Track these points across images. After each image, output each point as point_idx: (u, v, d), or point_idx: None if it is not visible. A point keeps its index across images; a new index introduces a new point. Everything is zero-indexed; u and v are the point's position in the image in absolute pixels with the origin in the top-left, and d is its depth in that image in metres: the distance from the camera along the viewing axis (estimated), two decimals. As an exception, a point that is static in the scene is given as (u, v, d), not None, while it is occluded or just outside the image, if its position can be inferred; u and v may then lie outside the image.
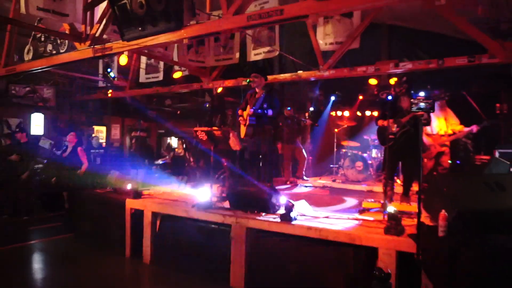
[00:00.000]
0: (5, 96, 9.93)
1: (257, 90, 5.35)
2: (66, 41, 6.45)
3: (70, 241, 6.00)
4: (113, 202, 5.48)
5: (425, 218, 3.74)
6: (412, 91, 4.86)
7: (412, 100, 3.36)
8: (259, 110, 5.17)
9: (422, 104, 3.29)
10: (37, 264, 5.18)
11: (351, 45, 6.37)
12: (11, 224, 7.10)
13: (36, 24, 6.35)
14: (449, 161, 5.83)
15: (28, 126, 9.93)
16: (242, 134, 5.31)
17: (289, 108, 7.70)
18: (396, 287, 3.27)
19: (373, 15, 6.05)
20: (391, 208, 3.52)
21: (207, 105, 7.19)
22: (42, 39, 6.73)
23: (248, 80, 5.33)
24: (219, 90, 8.10)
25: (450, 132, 5.70)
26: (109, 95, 7.98)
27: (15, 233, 6.54)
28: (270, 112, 5.22)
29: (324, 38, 6.68)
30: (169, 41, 4.99)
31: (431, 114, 5.58)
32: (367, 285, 3.38)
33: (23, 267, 4.91)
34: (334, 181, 7.67)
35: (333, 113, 9.65)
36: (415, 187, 5.29)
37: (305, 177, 7.75)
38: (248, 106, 5.27)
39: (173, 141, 13.97)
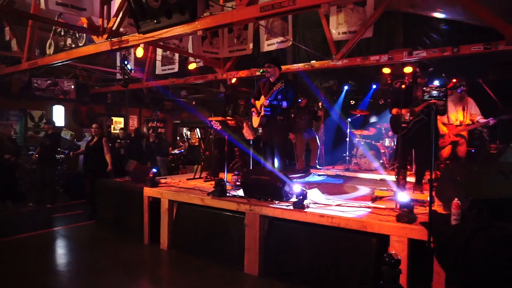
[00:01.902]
0: (29, 89, 10.29)
1: (271, 79, 5.39)
2: (84, 34, 6.61)
3: (91, 228, 6.24)
4: (132, 190, 5.66)
5: (438, 207, 3.78)
6: (427, 80, 4.83)
7: (424, 88, 3.37)
8: (274, 102, 5.22)
9: (434, 92, 3.29)
10: (61, 249, 5.43)
11: (364, 34, 6.32)
12: (36, 212, 7.44)
13: (56, 19, 6.53)
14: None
15: (50, 118, 10.26)
16: (255, 124, 5.38)
17: (299, 100, 7.73)
18: (408, 274, 3.34)
19: (386, 3, 5.98)
20: (403, 196, 3.56)
21: (222, 96, 7.29)
22: (62, 33, 6.93)
23: (261, 70, 5.39)
24: (233, 80, 8.18)
25: (468, 122, 5.62)
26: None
27: (39, 220, 6.85)
28: (284, 104, 5.26)
29: (337, 27, 6.65)
30: (183, 33, 5.08)
31: (449, 104, 5.56)
32: (380, 270, 3.47)
33: (47, 252, 5.17)
34: (347, 169, 7.70)
35: (346, 102, 9.62)
36: (428, 176, 5.31)
37: (318, 166, 7.81)
38: (263, 96, 5.32)
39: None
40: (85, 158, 7.14)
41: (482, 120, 5.53)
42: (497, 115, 5.49)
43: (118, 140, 9.30)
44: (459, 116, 5.72)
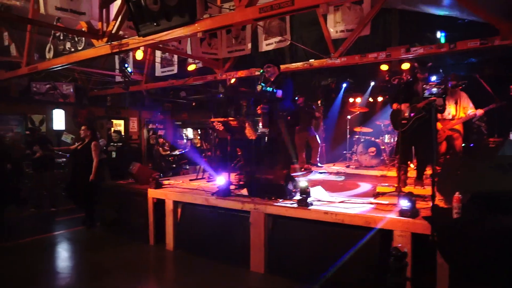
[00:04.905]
0: (28, 93, 10.28)
1: (271, 79, 5.45)
2: (83, 38, 6.64)
3: (96, 230, 6.29)
4: (136, 192, 5.72)
5: (439, 201, 3.85)
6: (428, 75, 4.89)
7: (424, 85, 3.43)
8: (269, 88, 5.15)
9: (434, 90, 3.35)
10: (66, 252, 5.47)
11: (361, 32, 6.38)
12: (39, 216, 7.47)
13: (55, 23, 6.55)
14: (463, 145, 5.83)
15: (50, 122, 10.28)
16: (262, 124, 5.44)
17: (296, 98, 7.76)
18: (411, 267, 3.40)
19: (383, 0, 6.04)
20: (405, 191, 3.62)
21: (221, 96, 7.34)
22: (61, 37, 6.95)
23: (261, 71, 5.44)
24: (232, 81, 8.24)
25: (462, 115, 5.71)
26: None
27: (43, 224, 6.86)
28: (279, 92, 5.22)
29: (335, 26, 6.71)
30: (183, 35, 5.10)
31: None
32: (383, 266, 3.54)
33: (52, 255, 5.22)
34: (347, 167, 7.77)
35: (345, 100, 9.70)
36: (428, 171, 5.38)
37: (319, 164, 7.87)
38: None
39: (189, 132, 14.23)
40: (74, 162, 6.67)
41: (472, 112, 5.63)
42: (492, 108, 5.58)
43: (112, 143, 9.30)
44: (451, 110, 5.79)
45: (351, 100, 9.59)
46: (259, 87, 5.06)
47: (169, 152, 10.76)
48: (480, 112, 5.58)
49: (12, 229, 6.53)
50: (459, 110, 5.75)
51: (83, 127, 6.65)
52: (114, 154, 8.97)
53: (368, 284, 3.56)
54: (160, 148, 10.92)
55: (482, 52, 5.88)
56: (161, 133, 12.61)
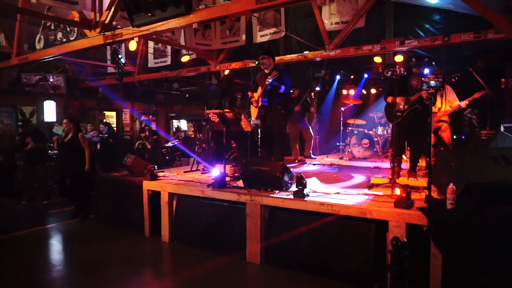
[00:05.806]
0: (18, 84, 10.09)
1: (266, 71, 5.45)
2: (76, 28, 6.53)
3: (91, 223, 6.25)
4: (131, 184, 5.68)
5: (433, 192, 3.91)
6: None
7: (423, 78, 3.46)
8: (275, 83, 5.26)
9: (432, 83, 3.38)
10: (60, 245, 5.43)
11: (356, 24, 6.40)
12: (33, 208, 7.38)
13: (46, 12, 6.42)
14: (454, 137, 5.92)
15: (41, 114, 10.11)
16: (254, 116, 5.44)
17: (291, 91, 7.77)
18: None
19: (379, -7, 6.05)
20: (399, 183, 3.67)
21: (214, 87, 7.29)
22: (52, 27, 6.81)
23: (257, 62, 5.43)
24: (226, 72, 8.20)
25: (448, 108, 5.79)
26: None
27: (36, 217, 6.77)
28: (282, 88, 5.30)
29: (330, 17, 6.71)
30: (178, 26, 5.05)
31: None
32: (379, 255, 3.61)
33: (46, 248, 5.18)
34: (341, 158, 7.83)
35: (338, 92, 9.72)
36: (421, 163, 5.47)
37: (312, 156, 7.91)
38: (260, 88, 5.38)
39: (182, 124, 14.16)
40: (61, 156, 6.61)
41: (456, 103, 5.73)
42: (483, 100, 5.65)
43: (100, 135, 9.19)
44: (437, 104, 5.89)
45: (344, 92, 9.62)
46: (267, 81, 5.11)
47: (151, 145, 10.59)
48: (464, 103, 5.67)
49: (5, 222, 6.47)
50: (444, 103, 5.83)
51: (64, 121, 6.48)
52: (98, 146, 8.87)
53: (365, 273, 3.63)
54: (146, 143, 10.77)
55: (475, 45, 5.92)
56: (148, 126, 12.50)
